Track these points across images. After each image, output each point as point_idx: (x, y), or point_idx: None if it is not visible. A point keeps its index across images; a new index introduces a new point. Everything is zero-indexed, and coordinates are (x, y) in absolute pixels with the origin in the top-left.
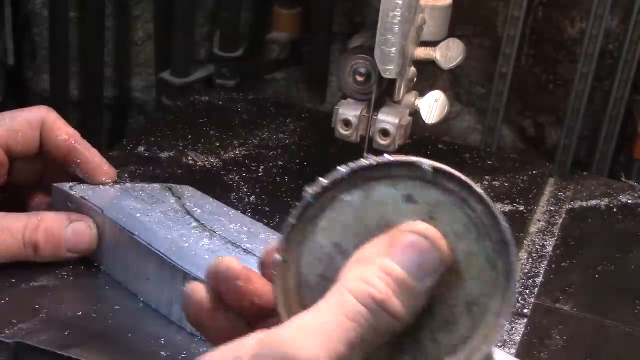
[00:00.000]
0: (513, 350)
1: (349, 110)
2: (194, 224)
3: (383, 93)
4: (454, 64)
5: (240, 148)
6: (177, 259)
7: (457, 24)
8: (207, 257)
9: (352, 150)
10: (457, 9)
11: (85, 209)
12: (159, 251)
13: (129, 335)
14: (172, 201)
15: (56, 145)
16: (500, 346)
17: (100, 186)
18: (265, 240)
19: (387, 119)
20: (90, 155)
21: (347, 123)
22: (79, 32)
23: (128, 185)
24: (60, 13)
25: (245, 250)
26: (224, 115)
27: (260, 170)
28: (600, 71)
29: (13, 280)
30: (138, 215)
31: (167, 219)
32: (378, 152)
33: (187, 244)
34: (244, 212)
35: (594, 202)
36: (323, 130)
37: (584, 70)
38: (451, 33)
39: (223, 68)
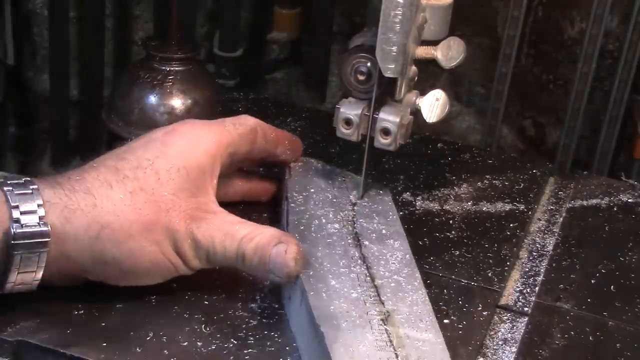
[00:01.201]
0: (514, 349)
1: (350, 109)
2: (358, 259)
3: (384, 92)
4: (455, 63)
5: None
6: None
7: (457, 24)
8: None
9: (353, 150)
10: (457, 9)
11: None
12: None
13: (131, 333)
14: (346, 214)
15: (271, 142)
16: (502, 344)
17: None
18: (413, 301)
19: (389, 118)
20: (288, 135)
21: (348, 122)
22: (79, 32)
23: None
24: (60, 13)
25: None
26: (224, 115)
27: (261, 169)
28: (600, 71)
29: None
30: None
31: (334, 243)
32: (379, 151)
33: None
34: (244, 211)
35: (594, 201)
36: (324, 129)
37: (584, 70)
38: (451, 33)
39: (223, 68)
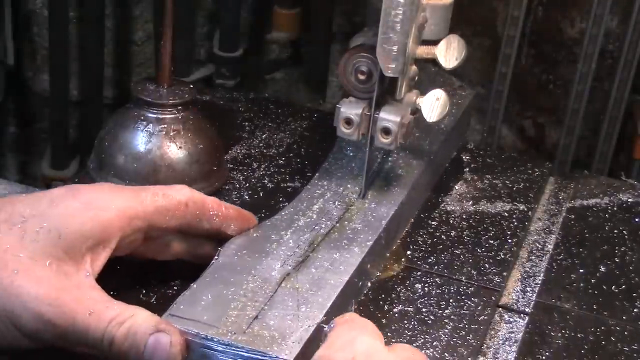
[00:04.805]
0: (514, 348)
1: (351, 109)
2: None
3: (385, 91)
4: (456, 63)
5: (241, 147)
6: None
7: (457, 24)
8: None
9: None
10: (457, 9)
11: None
12: None
13: None
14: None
15: (208, 221)
16: (503, 344)
17: None
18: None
19: (389, 117)
20: (240, 214)
21: (348, 121)
22: (79, 32)
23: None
24: (60, 13)
25: None
26: (225, 115)
27: (262, 169)
28: (600, 71)
29: None
30: None
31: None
32: (380, 150)
33: None
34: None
35: (594, 200)
36: (324, 129)
37: (584, 70)
38: (451, 33)
39: (223, 68)
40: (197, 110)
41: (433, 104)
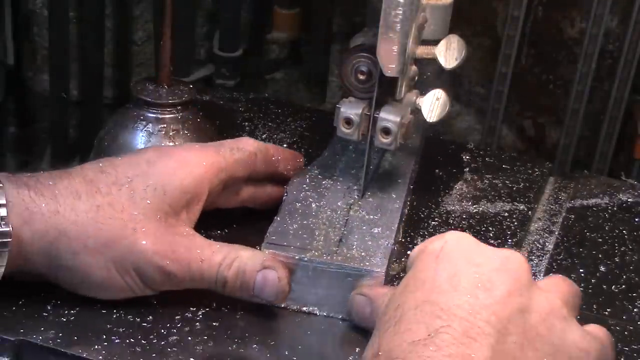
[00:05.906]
0: None
1: (351, 109)
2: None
3: (384, 92)
4: (456, 63)
5: None
6: None
7: (457, 24)
8: None
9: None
10: (457, 9)
11: None
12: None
13: (131, 332)
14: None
15: (272, 165)
16: None
17: None
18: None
19: (389, 117)
20: (293, 154)
21: (348, 121)
22: (79, 32)
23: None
24: (60, 13)
25: None
26: (225, 115)
27: None
28: (600, 71)
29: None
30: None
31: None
32: (380, 150)
33: None
34: (245, 211)
35: (594, 200)
36: (324, 129)
37: (584, 70)
38: (451, 33)
39: (223, 68)
40: (197, 110)
41: (433, 104)
